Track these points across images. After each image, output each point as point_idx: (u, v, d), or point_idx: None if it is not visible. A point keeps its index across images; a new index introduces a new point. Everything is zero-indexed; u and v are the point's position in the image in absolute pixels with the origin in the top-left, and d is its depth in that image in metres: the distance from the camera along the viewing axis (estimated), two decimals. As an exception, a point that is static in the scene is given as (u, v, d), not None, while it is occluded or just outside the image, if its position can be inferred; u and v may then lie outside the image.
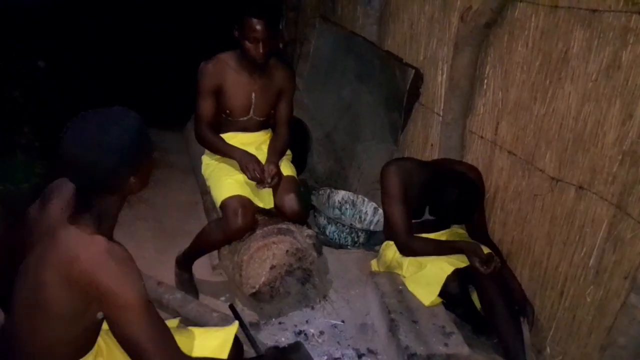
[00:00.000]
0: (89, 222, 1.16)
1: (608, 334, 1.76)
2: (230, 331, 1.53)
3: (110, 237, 1.20)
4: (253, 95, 2.35)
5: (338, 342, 2.12)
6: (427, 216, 2.30)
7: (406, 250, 2.20)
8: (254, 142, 2.45)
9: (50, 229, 1.17)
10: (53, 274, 1.11)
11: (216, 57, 2.32)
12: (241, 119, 2.39)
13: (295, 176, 2.48)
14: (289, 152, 2.55)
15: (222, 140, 2.35)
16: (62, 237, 1.14)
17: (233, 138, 2.40)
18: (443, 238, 2.28)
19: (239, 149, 2.30)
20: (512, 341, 1.96)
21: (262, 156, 2.37)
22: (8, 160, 2.79)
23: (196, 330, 1.52)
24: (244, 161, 2.24)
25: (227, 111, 2.36)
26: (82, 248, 1.11)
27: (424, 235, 2.25)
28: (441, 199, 2.14)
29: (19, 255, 1.24)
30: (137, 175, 1.21)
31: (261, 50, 2.16)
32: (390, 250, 2.30)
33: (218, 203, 2.25)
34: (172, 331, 1.42)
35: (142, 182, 1.26)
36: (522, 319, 2.03)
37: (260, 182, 2.23)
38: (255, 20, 2.11)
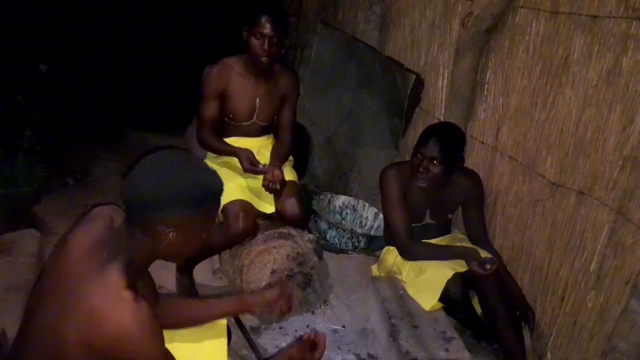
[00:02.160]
0: (118, 270, 1.09)
1: (609, 340, 1.76)
2: (221, 344, 1.52)
3: (135, 282, 1.14)
4: (257, 100, 2.35)
5: (339, 347, 2.12)
6: (427, 220, 2.29)
7: (407, 254, 2.20)
8: (256, 147, 2.45)
9: (74, 277, 1.11)
10: (76, 333, 1.06)
11: (221, 62, 2.33)
12: (244, 123, 2.39)
13: (297, 181, 2.48)
14: (290, 157, 2.56)
15: (224, 141, 2.36)
16: (87, 293, 1.07)
17: (235, 143, 2.40)
18: (443, 243, 2.28)
19: (239, 147, 2.32)
20: (513, 347, 1.95)
21: (264, 161, 2.37)
22: (10, 164, 2.78)
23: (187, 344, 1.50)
24: (241, 155, 2.26)
25: (230, 115, 2.36)
26: (108, 309, 1.06)
27: (425, 239, 2.25)
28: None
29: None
30: (178, 231, 1.13)
31: (266, 48, 2.17)
32: (391, 255, 2.30)
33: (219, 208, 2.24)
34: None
35: (179, 247, 1.17)
36: (523, 324, 2.03)
37: (256, 171, 2.25)
38: (264, 18, 2.15)
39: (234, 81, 2.31)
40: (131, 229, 1.15)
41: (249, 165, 2.23)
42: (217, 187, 1.18)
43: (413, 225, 2.23)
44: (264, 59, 2.21)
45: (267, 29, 2.15)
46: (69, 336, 1.07)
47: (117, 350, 1.06)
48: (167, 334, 1.38)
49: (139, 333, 1.06)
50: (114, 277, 1.08)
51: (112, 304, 1.06)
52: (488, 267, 1.96)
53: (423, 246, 2.20)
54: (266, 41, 2.17)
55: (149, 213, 1.11)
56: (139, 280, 1.19)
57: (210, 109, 2.31)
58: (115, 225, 1.21)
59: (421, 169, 2.09)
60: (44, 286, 1.19)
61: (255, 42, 2.19)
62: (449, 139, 2.12)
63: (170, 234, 1.12)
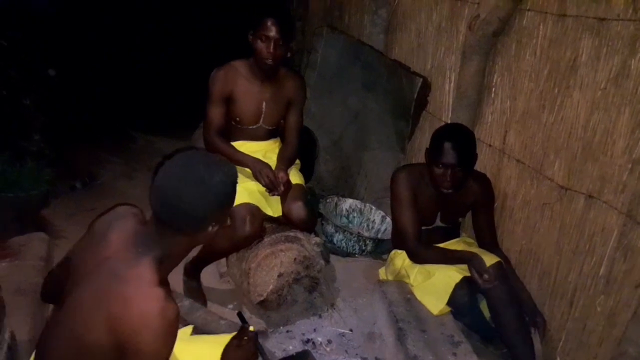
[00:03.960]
0: (152, 264, 1.14)
1: (619, 345, 1.74)
2: None
3: (165, 278, 1.18)
4: (263, 104, 2.36)
5: (346, 351, 2.11)
6: (438, 223, 2.29)
7: (415, 257, 2.19)
8: (262, 150, 2.46)
9: (111, 264, 1.15)
10: (105, 316, 1.10)
11: (228, 64, 2.34)
12: (251, 127, 2.40)
13: (303, 184, 2.49)
14: (297, 160, 2.56)
15: (233, 147, 2.35)
16: (123, 280, 1.11)
17: (242, 146, 2.41)
18: (452, 247, 2.27)
19: (250, 156, 2.32)
20: (521, 351, 1.94)
21: (270, 164, 2.38)
22: (18, 167, 2.81)
23: (210, 338, 1.53)
24: (257, 167, 2.26)
25: (237, 119, 2.37)
26: (139, 299, 1.09)
27: (433, 243, 2.24)
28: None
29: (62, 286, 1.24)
30: (217, 224, 1.23)
31: (271, 50, 2.18)
32: (398, 258, 2.30)
33: (226, 211, 2.25)
34: (187, 339, 1.43)
35: (217, 233, 1.26)
36: (533, 330, 2.01)
37: (272, 190, 2.24)
38: (269, 20, 2.16)
39: (240, 84, 2.32)
40: (165, 230, 1.20)
41: (268, 182, 2.23)
42: (235, 175, 1.26)
43: (423, 228, 2.22)
44: (269, 61, 2.21)
45: (272, 31, 2.16)
46: (99, 317, 1.10)
47: (133, 339, 1.09)
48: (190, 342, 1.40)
49: (158, 331, 1.09)
50: (148, 271, 1.13)
51: (144, 296, 1.10)
52: (486, 278, 1.95)
53: (432, 250, 2.19)
54: (272, 44, 2.17)
55: (194, 227, 1.20)
56: (168, 274, 1.23)
57: (217, 112, 2.32)
58: (144, 223, 1.26)
59: (448, 178, 2.06)
60: (79, 273, 1.21)
61: (260, 44, 2.19)
62: (464, 141, 2.10)
63: (213, 229, 1.23)
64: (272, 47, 2.17)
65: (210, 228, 1.22)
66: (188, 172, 1.17)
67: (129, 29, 5.06)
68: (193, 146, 1.24)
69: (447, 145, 2.05)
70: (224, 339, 1.50)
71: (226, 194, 1.22)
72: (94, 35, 4.73)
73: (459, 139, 2.09)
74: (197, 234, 1.23)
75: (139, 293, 1.10)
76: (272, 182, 2.23)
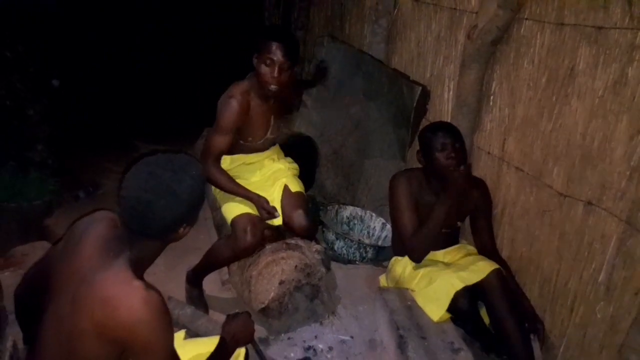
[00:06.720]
0: (125, 264, 1.13)
1: (619, 352, 1.74)
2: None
3: (141, 277, 1.18)
4: (272, 118, 2.35)
5: (347, 358, 2.12)
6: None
7: (415, 252, 2.18)
8: (262, 159, 2.47)
9: (84, 271, 1.14)
10: (89, 323, 1.09)
11: (238, 91, 2.20)
12: (259, 142, 2.38)
13: (304, 192, 2.50)
14: (296, 166, 2.57)
15: (232, 180, 2.25)
16: (99, 284, 1.11)
17: (243, 158, 2.41)
18: (453, 253, 2.27)
19: (251, 192, 2.25)
20: (522, 358, 1.94)
21: (266, 170, 2.43)
22: (22, 177, 2.83)
23: (203, 340, 1.54)
24: (260, 202, 2.24)
25: (249, 138, 2.32)
26: (121, 297, 1.08)
27: (434, 250, 2.25)
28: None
29: (40, 290, 1.23)
30: (188, 225, 1.25)
31: (276, 75, 2.10)
32: (399, 265, 2.30)
33: (229, 221, 2.27)
34: (182, 343, 1.44)
35: (188, 231, 1.28)
36: (532, 336, 2.01)
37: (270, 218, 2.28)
38: (275, 44, 2.08)
39: (253, 109, 2.25)
40: (136, 236, 1.20)
41: (267, 214, 2.25)
42: (199, 169, 1.27)
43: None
44: (273, 86, 2.13)
45: (277, 55, 2.08)
46: (82, 326, 1.09)
47: (130, 338, 1.09)
48: (185, 346, 1.42)
49: (151, 320, 1.09)
50: (122, 271, 1.12)
51: (124, 292, 1.09)
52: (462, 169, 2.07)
53: (423, 231, 2.16)
54: (276, 68, 2.09)
55: (166, 233, 1.22)
56: (143, 273, 1.23)
57: (226, 141, 2.20)
58: (118, 227, 1.26)
59: (453, 155, 2.12)
60: (55, 283, 1.21)
61: (264, 69, 2.11)
62: (449, 125, 2.25)
63: (185, 230, 1.25)
64: (276, 72, 2.09)
65: (182, 230, 1.24)
66: (156, 183, 1.16)
67: (131, 33, 5.07)
68: (167, 149, 1.20)
69: (441, 130, 2.16)
70: (217, 339, 1.51)
71: (196, 196, 1.23)
72: (96, 41, 4.75)
73: (443, 125, 2.25)
74: (168, 238, 1.24)
75: (119, 292, 1.09)
76: (270, 215, 2.26)
